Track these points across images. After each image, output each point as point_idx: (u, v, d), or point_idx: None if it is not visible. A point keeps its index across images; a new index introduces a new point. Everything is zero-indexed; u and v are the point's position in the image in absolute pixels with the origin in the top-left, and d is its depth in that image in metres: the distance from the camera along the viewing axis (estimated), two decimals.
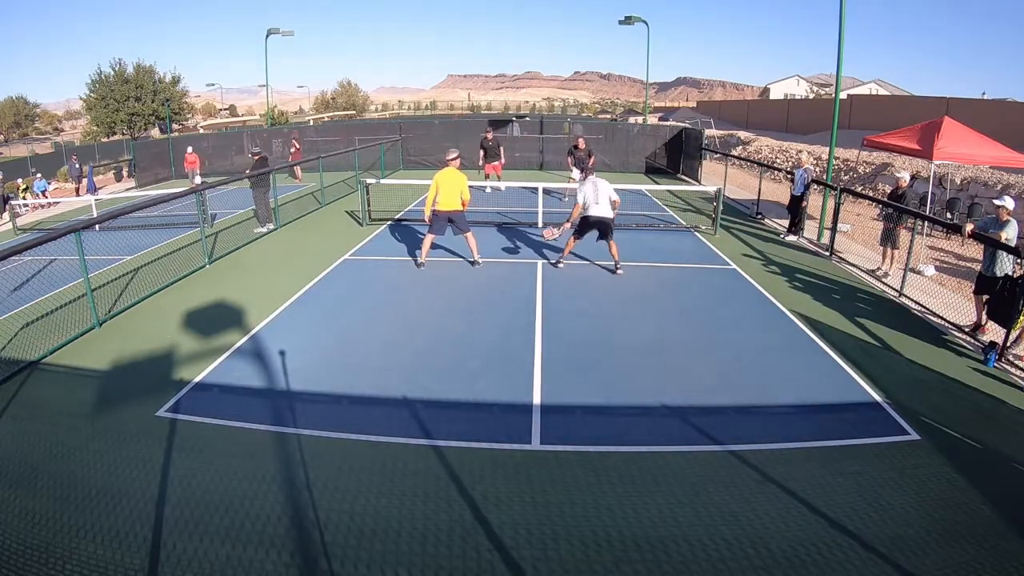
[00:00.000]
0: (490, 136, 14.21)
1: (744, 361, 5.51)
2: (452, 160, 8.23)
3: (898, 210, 8.31)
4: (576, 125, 21.45)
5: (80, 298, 7.03)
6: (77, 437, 4.31)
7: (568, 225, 8.04)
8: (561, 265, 8.36)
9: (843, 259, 9.21)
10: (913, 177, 14.48)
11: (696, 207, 13.25)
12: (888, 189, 14.97)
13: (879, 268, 8.56)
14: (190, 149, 20.17)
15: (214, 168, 20.86)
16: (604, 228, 7.97)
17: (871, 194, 13.65)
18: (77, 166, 22.09)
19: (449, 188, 8.00)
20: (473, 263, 8.42)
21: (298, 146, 19.71)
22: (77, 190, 21.77)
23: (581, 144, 13.62)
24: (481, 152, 14.13)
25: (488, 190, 14.26)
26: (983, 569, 3.06)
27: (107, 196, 17.87)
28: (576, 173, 13.31)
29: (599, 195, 7.93)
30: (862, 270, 8.62)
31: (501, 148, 14.39)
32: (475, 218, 11.39)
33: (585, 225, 8.02)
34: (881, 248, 8.77)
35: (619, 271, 8.12)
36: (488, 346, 5.77)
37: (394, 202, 12.68)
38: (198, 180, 18.65)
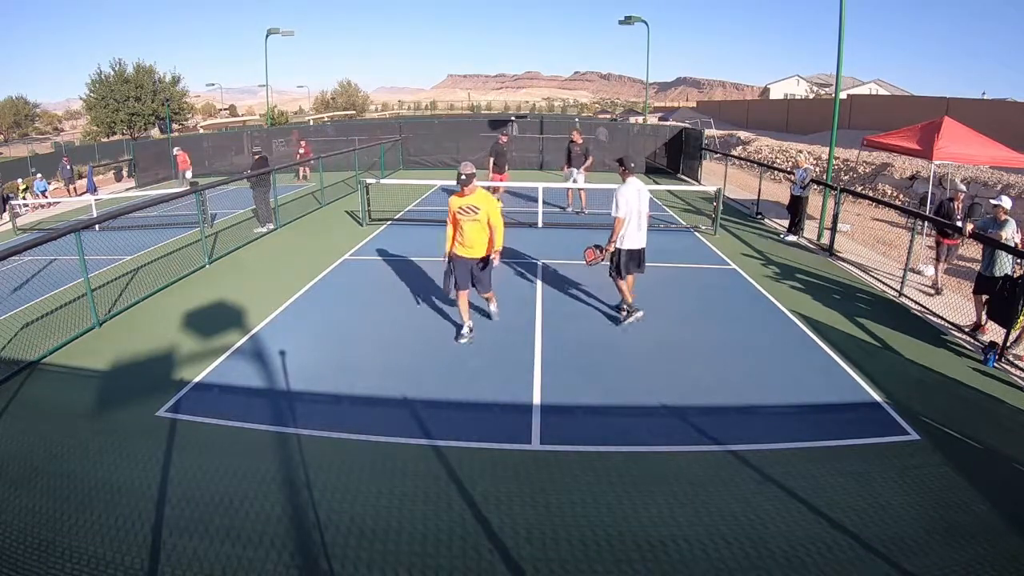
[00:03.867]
0: (504, 140, 12.42)
1: (744, 361, 5.51)
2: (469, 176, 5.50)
3: (902, 212, 8.29)
4: (600, 128, 20.58)
5: (80, 298, 7.03)
6: (77, 437, 4.31)
7: (612, 247, 6.06)
8: (637, 316, 6.28)
9: (843, 259, 9.20)
10: (913, 177, 14.50)
11: (696, 207, 13.25)
12: (888, 189, 14.98)
13: (934, 288, 7.79)
14: (176, 149, 19.35)
15: (214, 168, 20.86)
16: (640, 261, 6.24)
17: (871, 194, 13.66)
18: (68, 167, 22.07)
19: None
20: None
21: (305, 145, 19.58)
22: (69, 191, 21.75)
23: (577, 138, 12.10)
24: (490, 159, 12.10)
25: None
26: (983, 569, 3.06)
27: (107, 196, 17.85)
28: (576, 174, 12.10)
29: (642, 212, 6.05)
30: (925, 308, 7.08)
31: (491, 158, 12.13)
32: None
33: (625, 260, 6.11)
34: (935, 263, 7.98)
35: (626, 316, 6.36)
36: (488, 346, 5.77)
37: (394, 202, 12.68)
38: (189, 175, 18.45)
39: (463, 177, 5.43)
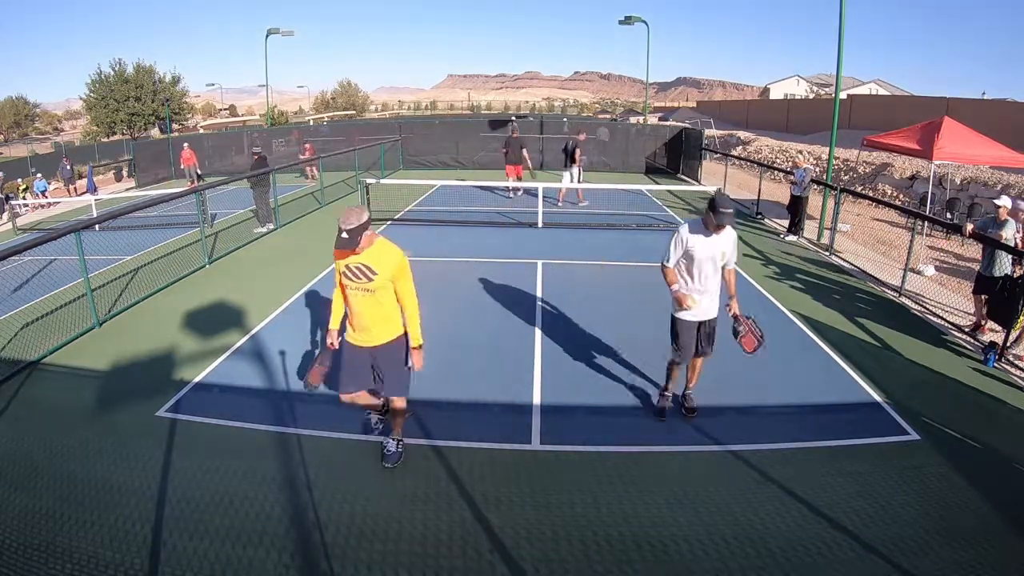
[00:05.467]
0: (516, 134, 13.72)
1: (744, 361, 5.48)
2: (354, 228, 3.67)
3: (902, 212, 8.27)
4: (601, 128, 20.81)
5: (80, 298, 7.03)
6: (77, 437, 4.31)
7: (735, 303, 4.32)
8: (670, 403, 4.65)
9: (843, 259, 9.20)
10: (913, 177, 14.50)
11: (696, 207, 13.24)
12: (888, 189, 14.97)
13: (975, 326, 6.39)
14: (186, 146, 20.41)
15: (214, 168, 20.89)
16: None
17: (871, 194, 13.66)
18: (68, 168, 22.10)
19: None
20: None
21: (309, 146, 19.98)
22: (69, 191, 21.77)
23: (582, 137, 13.09)
24: (504, 151, 13.68)
25: (510, 195, 13.78)
26: (983, 569, 3.06)
27: (107, 196, 17.86)
28: (574, 173, 12.82)
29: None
30: (964, 330, 6.33)
31: (524, 149, 13.61)
32: (474, 218, 11.42)
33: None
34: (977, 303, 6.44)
35: (690, 410, 4.55)
36: (488, 346, 5.77)
37: (394, 202, 12.68)
38: (197, 173, 19.09)
39: (344, 236, 3.54)
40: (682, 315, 4.21)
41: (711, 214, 3.89)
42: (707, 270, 4.11)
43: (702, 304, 4.16)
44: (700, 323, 4.26)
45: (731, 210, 3.87)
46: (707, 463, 3.97)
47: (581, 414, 4.58)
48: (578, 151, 12.75)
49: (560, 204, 13.01)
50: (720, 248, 4.08)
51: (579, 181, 13.09)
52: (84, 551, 3.19)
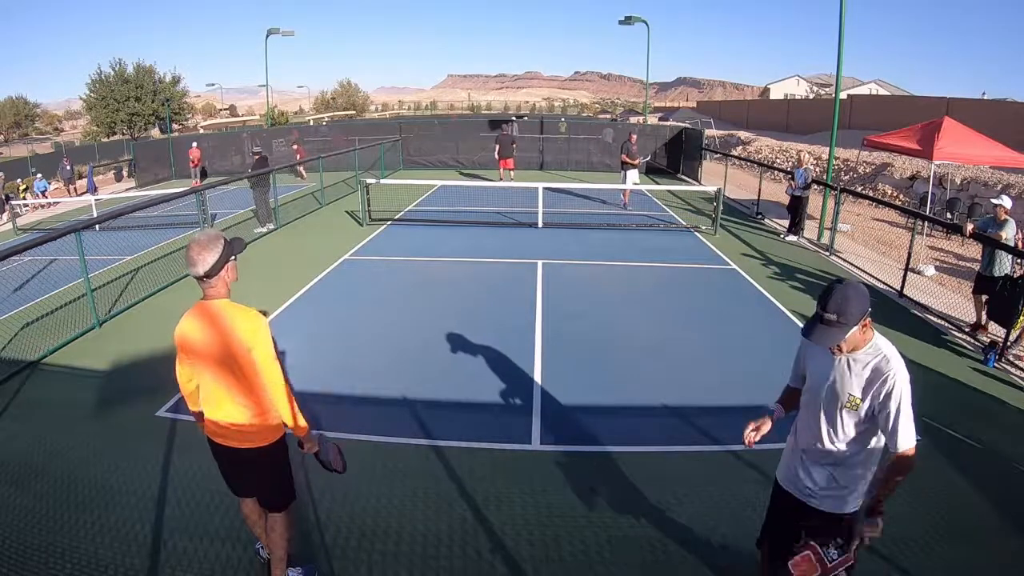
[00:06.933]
0: (506, 131, 15.71)
1: (744, 361, 5.51)
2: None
3: (902, 212, 8.28)
4: (606, 129, 20.97)
5: (80, 298, 7.03)
6: (77, 437, 4.31)
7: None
8: None
9: (843, 259, 9.20)
10: (913, 177, 14.50)
11: (696, 207, 13.25)
12: (888, 189, 14.97)
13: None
14: (194, 144, 20.50)
15: (214, 168, 20.90)
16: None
17: (871, 194, 13.66)
18: (68, 168, 22.06)
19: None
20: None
21: (299, 147, 20.15)
22: (69, 191, 21.76)
23: (633, 138, 13.46)
24: (496, 147, 15.28)
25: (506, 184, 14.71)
26: (983, 569, 3.06)
27: (107, 196, 17.86)
28: (632, 175, 13.17)
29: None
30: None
31: (514, 145, 15.34)
32: (474, 218, 11.43)
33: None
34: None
35: None
36: (488, 346, 5.77)
37: (394, 202, 12.69)
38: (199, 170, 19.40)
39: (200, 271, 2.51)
40: (779, 470, 2.58)
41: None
42: (819, 410, 2.38)
43: (809, 473, 2.45)
44: (796, 503, 2.49)
45: (834, 316, 2.11)
46: (707, 463, 3.97)
47: (581, 414, 4.58)
48: (624, 155, 13.15)
49: (627, 206, 13.28)
50: (846, 386, 2.26)
51: (626, 182, 13.28)
52: (84, 551, 3.19)
